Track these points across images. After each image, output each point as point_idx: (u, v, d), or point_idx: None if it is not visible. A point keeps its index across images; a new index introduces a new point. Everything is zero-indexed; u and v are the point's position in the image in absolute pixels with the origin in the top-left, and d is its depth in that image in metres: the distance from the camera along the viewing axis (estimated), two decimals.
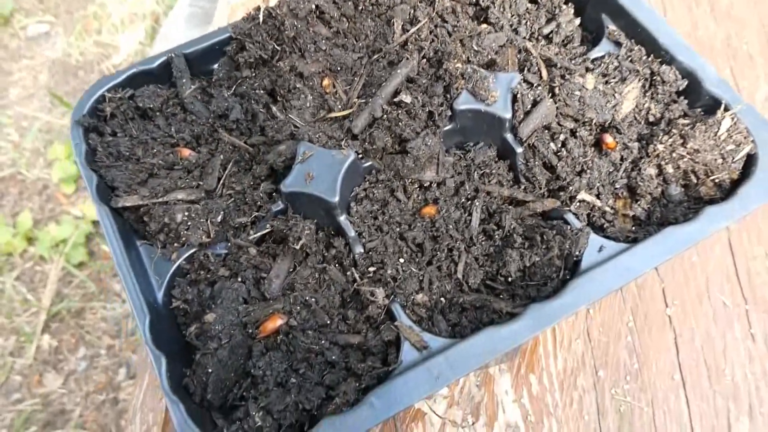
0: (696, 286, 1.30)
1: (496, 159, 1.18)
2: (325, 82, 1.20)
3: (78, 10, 3.52)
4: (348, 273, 1.07)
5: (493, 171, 1.14)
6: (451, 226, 1.09)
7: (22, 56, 3.46)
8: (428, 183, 1.14)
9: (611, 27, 1.25)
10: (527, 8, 1.30)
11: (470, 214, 1.10)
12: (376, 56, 1.21)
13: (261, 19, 1.15)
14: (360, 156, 1.11)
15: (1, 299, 2.67)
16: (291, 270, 1.08)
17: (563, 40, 1.28)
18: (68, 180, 2.91)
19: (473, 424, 1.18)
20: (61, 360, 2.61)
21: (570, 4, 1.32)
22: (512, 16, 1.29)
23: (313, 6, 1.18)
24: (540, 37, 1.29)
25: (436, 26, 1.24)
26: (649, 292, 1.29)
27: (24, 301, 2.66)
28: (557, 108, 1.13)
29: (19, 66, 3.41)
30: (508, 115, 1.11)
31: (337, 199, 1.05)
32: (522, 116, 1.13)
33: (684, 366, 1.22)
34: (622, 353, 1.24)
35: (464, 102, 1.13)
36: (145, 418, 1.30)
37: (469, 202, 1.12)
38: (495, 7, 1.28)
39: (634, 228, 1.08)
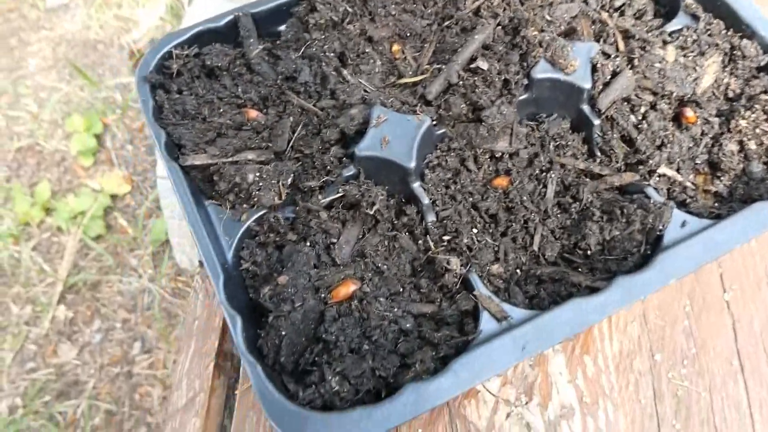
0: (755, 272, 1.27)
1: (570, 131, 1.15)
2: (395, 47, 1.17)
3: None
4: (419, 242, 1.05)
5: (569, 143, 1.12)
6: (525, 198, 1.06)
7: (42, 27, 3.43)
8: (500, 154, 1.11)
9: (687, 0, 1.22)
10: None
11: (545, 186, 1.07)
12: (446, 23, 1.18)
13: None
14: (434, 123, 1.09)
15: (18, 268, 2.66)
16: (360, 237, 1.05)
17: (636, 14, 1.25)
18: (86, 153, 2.90)
19: (527, 403, 1.16)
20: (76, 331, 2.61)
21: None
22: None
23: None
24: (611, 10, 1.26)
25: None
26: (707, 276, 1.27)
27: (40, 271, 2.65)
28: (636, 80, 1.11)
29: (38, 37, 3.38)
30: (588, 86, 1.09)
31: (413, 164, 1.02)
32: (601, 87, 1.11)
33: (742, 352, 1.19)
34: (679, 337, 1.22)
35: (542, 71, 1.10)
36: (192, 385, 1.28)
37: (544, 173, 1.09)
38: None
39: (716, 204, 1.05)
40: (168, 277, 2.71)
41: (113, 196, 2.86)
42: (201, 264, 1.30)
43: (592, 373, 1.18)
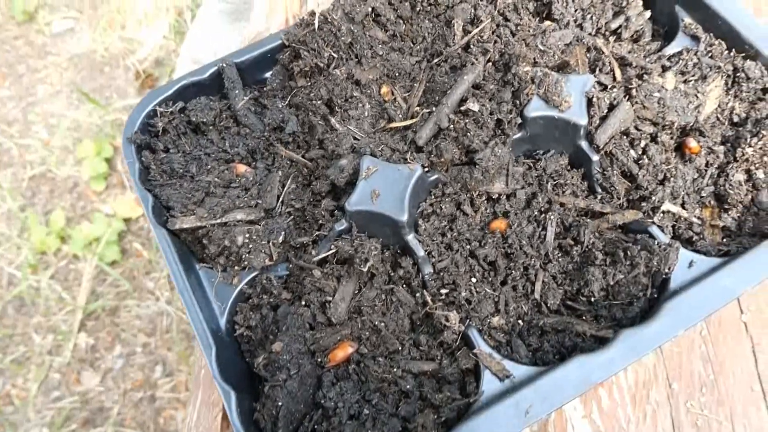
0: None
1: (569, 167, 1.11)
2: (384, 89, 1.13)
3: (102, 5, 3.49)
4: (417, 295, 1.02)
5: (567, 181, 1.08)
6: (524, 242, 1.02)
7: (48, 53, 3.45)
8: (497, 195, 1.07)
9: (687, 20, 1.17)
10: (592, 1, 1.22)
11: (544, 228, 1.03)
12: (436, 60, 1.14)
13: (316, 25, 1.08)
14: (426, 169, 1.05)
15: (37, 298, 2.69)
16: (356, 292, 1.02)
17: (633, 36, 1.20)
18: (98, 178, 2.92)
19: None
20: (98, 358, 2.64)
21: None
22: (576, 10, 1.21)
23: (370, 9, 1.12)
24: (607, 33, 1.21)
25: (498, 25, 1.16)
26: None
27: (59, 299, 2.68)
28: (634, 111, 1.06)
29: (45, 63, 3.40)
30: (584, 122, 1.04)
31: (405, 217, 0.99)
32: (598, 122, 1.06)
33: (764, 376, 1.15)
34: (696, 364, 1.18)
35: (536, 109, 1.06)
36: None
37: (543, 215, 1.05)
38: (558, 2, 1.19)
39: (724, 240, 1.01)
40: None
41: (126, 220, 2.88)
42: None
43: (607, 406, 1.15)
